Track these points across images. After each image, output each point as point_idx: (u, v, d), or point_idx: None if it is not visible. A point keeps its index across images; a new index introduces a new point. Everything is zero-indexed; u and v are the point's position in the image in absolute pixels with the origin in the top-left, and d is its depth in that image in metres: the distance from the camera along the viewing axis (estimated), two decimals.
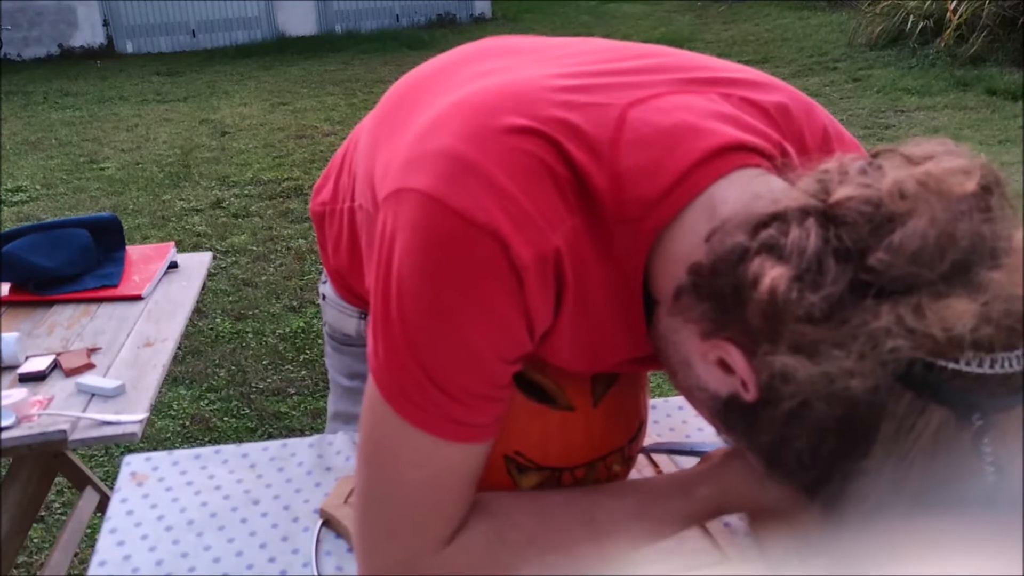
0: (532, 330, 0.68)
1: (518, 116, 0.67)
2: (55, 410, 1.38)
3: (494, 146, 0.66)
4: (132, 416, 1.37)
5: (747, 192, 0.63)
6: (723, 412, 0.64)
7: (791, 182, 0.62)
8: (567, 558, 0.74)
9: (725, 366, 0.60)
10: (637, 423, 0.87)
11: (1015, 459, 0.51)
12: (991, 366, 0.50)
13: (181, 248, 2.47)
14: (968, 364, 0.50)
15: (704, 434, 1.08)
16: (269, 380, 2.92)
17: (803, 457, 0.56)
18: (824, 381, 0.52)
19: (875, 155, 0.59)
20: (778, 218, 0.56)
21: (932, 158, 0.55)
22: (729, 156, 0.67)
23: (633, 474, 0.98)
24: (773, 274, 0.53)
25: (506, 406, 0.71)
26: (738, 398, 0.60)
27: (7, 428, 1.32)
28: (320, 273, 1.29)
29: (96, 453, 2.49)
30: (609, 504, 0.77)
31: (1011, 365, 0.50)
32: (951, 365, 0.50)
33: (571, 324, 0.70)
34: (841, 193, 0.55)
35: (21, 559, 2.09)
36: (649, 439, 1.05)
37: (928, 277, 0.51)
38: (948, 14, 6.88)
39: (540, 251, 0.64)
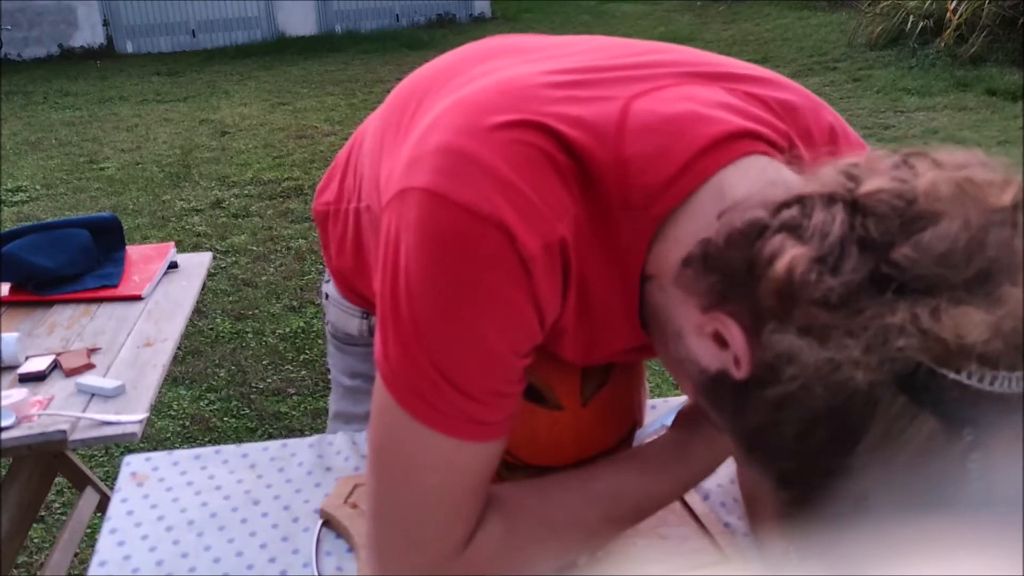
0: (543, 320, 0.67)
1: (513, 112, 0.67)
2: (55, 410, 1.38)
3: (491, 140, 0.65)
4: (132, 416, 1.37)
5: (760, 179, 0.63)
6: (710, 388, 0.62)
7: (803, 174, 0.61)
8: (578, 531, 0.74)
9: (720, 340, 0.59)
10: (629, 425, 0.86)
11: (1002, 478, 0.50)
12: (991, 383, 0.49)
13: (181, 248, 2.47)
14: (970, 377, 0.49)
15: None
16: (269, 380, 2.91)
17: (787, 445, 0.55)
18: (828, 367, 0.51)
19: (905, 155, 0.57)
20: (801, 201, 0.56)
21: (966, 167, 0.55)
22: (736, 143, 0.66)
23: None
24: (794, 253, 0.53)
25: (518, 402, 0.70)
26: (727, 375, 0.59)
27: (7, 428, 1.32)
28: (321, 273, 1.29)
29: (96, 453, 2.49)
30: (608, 476, 0.77)
31: (1010, 385, 0.49)
32: (952, 375, 0.49)
33: (575, 313, 0.69)
34: (873, 184, 0.54)
35: (21, 559, 2.09)
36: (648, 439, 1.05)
37: (951, 281, 0.50)
38: (948, 14, 6.88)
39: (547, 240, 0.64)
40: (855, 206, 0.54)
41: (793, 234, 0.54)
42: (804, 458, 0.54)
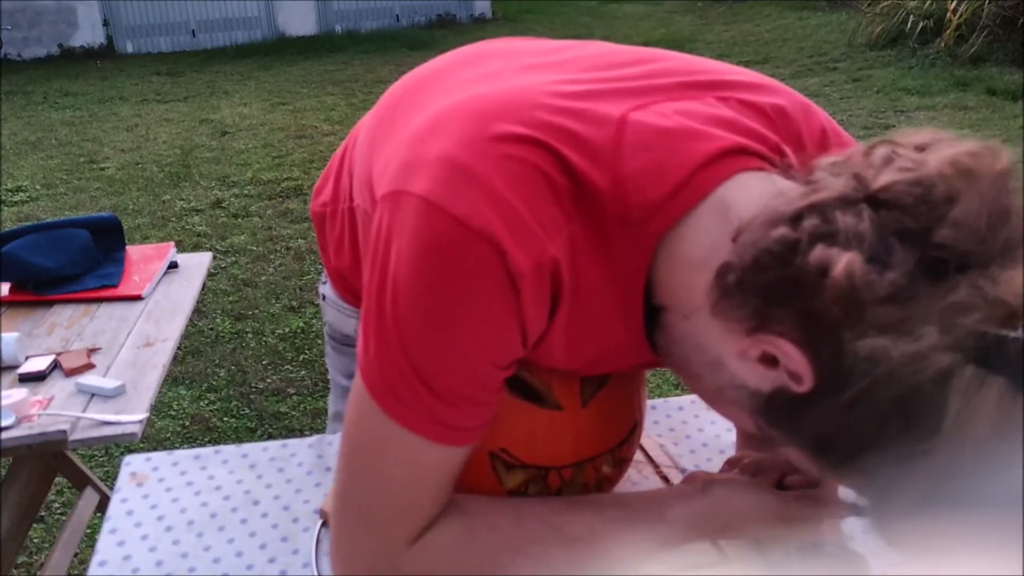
0: (525, 337, 0.68)
1: (516, 124, 0.67)
2: (55, 410, 1.38)
3: (491, 154, 0.66)
4: (132, 416, 1.37)
5: (761, 192, 0.63)
6: (765, 408, 0.63)
7: (796, 182, 0.62)
8: (537, 563, 0.74)
9: (768, 361, 0.60)
10: (630, 425, 0.86)
11: None
12: None
13: (181, 248, 2.47)
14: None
15: (704, 435, 1.08)
16: (269, 380, 2.92)
17: (865, 442, 0.56)
18: (919, 359, 0.52)
19: (872, 147, 0.60)
20: (815, 209, 0.57)
21: (940, 142, 0.58)
22: (731, 159, 0.67)
23: (638, 479, 0.98)
24: (845, 259, 0.54)
25: (493, 411, 0.72)
26: (783, 391, 0.60)
27: (7, 428, 1.32)
28: (320, 273, 1.29)
29: (96, 453, 2.49)
30: (586, 517, 0.77)
31: None
32: (1012, 334, 0.51)
33: (566, 329, 0.70)
34: (885, 178, 0.56)
35: (21, 559, 2.09)
36: (649, 440, 1.05)
37: (992, 250, 0.53)
38: (948, 14, 6.88)
39: (537, 260, 0.64)
40: (874, 202, 0.55)
41: (829, 241, 0.55)
42: (886, 449, 0.56)
